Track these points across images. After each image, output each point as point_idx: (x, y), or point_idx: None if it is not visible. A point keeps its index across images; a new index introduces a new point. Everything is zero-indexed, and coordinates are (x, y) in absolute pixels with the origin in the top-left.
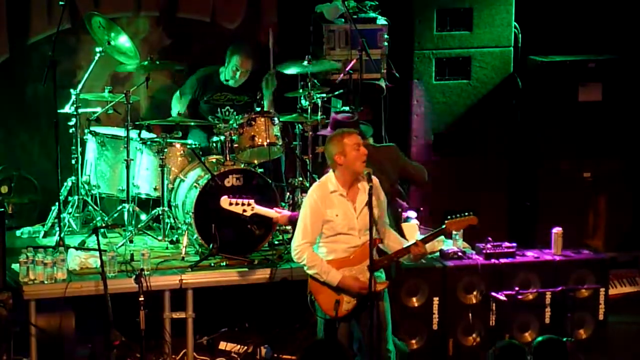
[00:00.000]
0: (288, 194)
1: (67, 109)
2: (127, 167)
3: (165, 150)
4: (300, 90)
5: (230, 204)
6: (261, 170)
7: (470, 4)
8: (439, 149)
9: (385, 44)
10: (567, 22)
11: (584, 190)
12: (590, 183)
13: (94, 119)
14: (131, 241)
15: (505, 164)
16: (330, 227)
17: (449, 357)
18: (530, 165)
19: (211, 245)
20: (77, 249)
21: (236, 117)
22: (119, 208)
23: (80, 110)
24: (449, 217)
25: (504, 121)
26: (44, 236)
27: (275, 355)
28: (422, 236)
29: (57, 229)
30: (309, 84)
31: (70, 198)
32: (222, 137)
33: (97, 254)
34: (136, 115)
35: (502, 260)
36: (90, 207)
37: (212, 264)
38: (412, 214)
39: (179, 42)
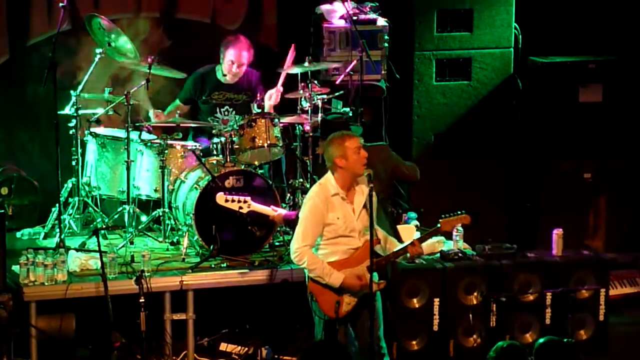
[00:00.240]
0: (289, 195)
1: (68, 110)
2: (128, 169)
3: (166, 151)
4: (301, 91)
5: (227, 200)
6: (262, 171)
7: (470, 5)
8: (439, 150)
9: (386, 45)
10: (567, 23)
11: (584, 191)
12: (591, 184)
13: (94, 120)
14: (132, 243)
15: (506, 164)
16: (332, 229)
17: (450, 358)
18: (531, 166)
19: (212, 247)
20: (77, 250)
21: (236, 117)
22: (119, 209)
23: (80, 112)
24: (443, 216)
25: (504, 122)
26: (44, 238)
27: (276, 356)
28: (418, 236)
29: (58, 230)
30: (309, 85)
31: (70, 199)
32: (223, 139)
33: (97, 255)
34: (136, 117)
35: (503, 261)
36: (90, 208)
37: (213, 266)
38: (412, 214)
39: (179, 43)
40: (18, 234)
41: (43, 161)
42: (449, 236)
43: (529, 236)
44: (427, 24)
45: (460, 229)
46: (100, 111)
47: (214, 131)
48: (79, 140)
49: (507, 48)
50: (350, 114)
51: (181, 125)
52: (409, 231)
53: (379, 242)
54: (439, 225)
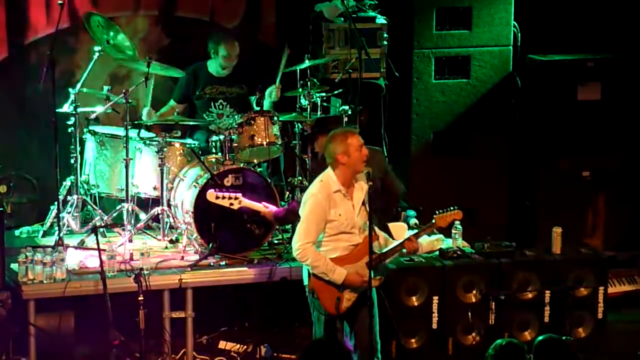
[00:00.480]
0: (287, 193)
1: (66, 108)
2: (127, 167)
3: (165, 149)
4: (300, 90)
5: (217, 197)
6: (260, 169)
7: (469, 3)
8: (438, 148)
9: (385, 43)
10: (566, 21)
11: (583, 189)
12: (590, 182)
13: (93, 118)
14: (130, 240)
15: (505, 163)
16: (334, 226)
17: (449, 356)
18: (530, 164)
19: (210, 245)
20: (76, 248)
21: (230, 110)
22: (118, 207)
23: (79, 110)
24: (437, 211)
25: (503, 120)
26: (43, 236)
27: (275, 354)
28: (414, 232)
29: (56, 228)
30: (309, 83)
31: (69, 197)
32: (222, 137)
33: (96, 253)
34: (135, 115)
35: (502, 259)
36: (89, 206)
37: (212, 264)
38: (411, 213)
39: (178, 42)
40: (17, 232)
41: (42, 159)
42: (448, 234)
43: (527, 234)
44: (426, 22)
45: (459, 227)
46: (99, 109)
47: (210, 127)
48: (77, 138)
49: (506, 46)
50: (350, 112)
51: (180, 123)
52: (400, 229)
53: (378, 239)
54: (433, 220)
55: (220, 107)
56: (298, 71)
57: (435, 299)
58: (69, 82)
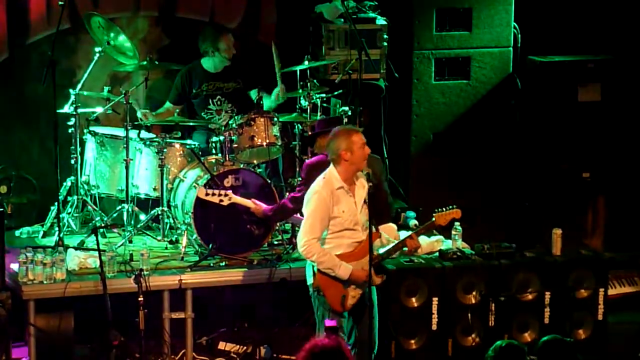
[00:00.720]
0: (287, 193)
1: (67, 108)
2: (127, 167)
3: (165, 150)
4: (300, 90)
5: (207, 194)
6: (260, 170)
7: (469, 4)
8: (438, 149)
9: (385, 44)
10: (566, 22)
11: (583, 190)
12: (590, 183)
13: (93, 118)
14: (130, 241)
15: (505, 164)
16: (338, 222)
17: (449, 357)
18: (530, 165)
19: (210, 245)
20: (76, 249)
21: (229, 105)
22: (118, 208)
23: (79, 110)
24: (436, 210)
25: (503, 121)
26: (43, 236)
27: (275, 355)
28: (415, 229)
29: (56, 229)
30: (309, 84)
31: (69, 198)
32: (222, 138)
33: (96, 254)
34: (135, 116)
35: (502, 261)
36: (89, 207)
37: (212, 264)
38: (411, 214)
39: (178, 42)
40: (17, 233)
41: (42, 160)
42: (447, 235)
43: (527, 235)
44: (426, 23)
45: (459, 228)
46: (99, 110)
47: (210, 125)
48: (78, 139)
49: (506, 47)
50: (350, 113)
51: (180, 124)
52: (390, 230)
53: (380, 236)
54: (433, 219)
55: (219, 103)
56: (298, 72)
57: (435, 300)
58: (69, 82)
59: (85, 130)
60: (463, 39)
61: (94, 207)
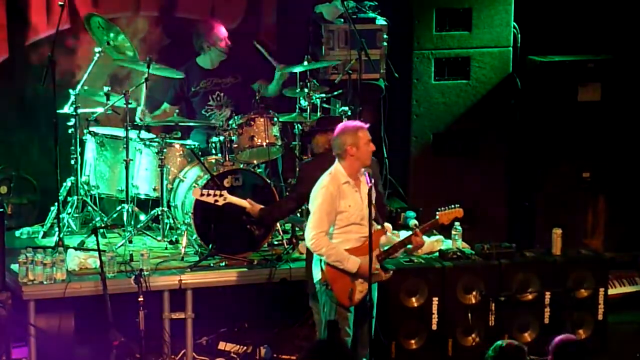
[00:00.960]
0: (287, 194)
1: (66, 109)
2: (127, 168)
3: (165, 150)
4: (299, 91)
5: (202, 194)
6: (259, 170)
7: (469, 4)
8: (438, 149)
9: (385, 44)
10: (566, 22)
11: (583, 190)
12: (590, 183)
13: (93, 119)
14: (130, 241)
15: (504, 164)
16: (344, 217)
17: (449, 357)
18: (530, 165)
19: (210, 246)
20: (76, 249)
21: (228, 100)
22: (118, 208)
23: (79, 111)
24: (439, 209)
25: (503, 121)
26: (43, 236)
27: (275, 355)
28: (419, 227)
29: (57, 229)
30: (308, 84)
31: (69, 198)
32: (221, 138)
33: (96, 254)
34: (135, 116)
35: (502, 261)
36: (89, 207)
37: (212, 264)
38: (411, 214)
39: (178, 42)
40: (17, 233)
41: (42, 160)
42: (448, 235)
43: (527, 235)
44: (425, 23)
45: (459, 228)
46: (99, 110)
47: (211, 121)
48: (78, 139)
49: (506, 47)
50: (349, 113)
51: (180, 124)
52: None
53: (385, 233)
54: (437, 217)
55: (218, 98)
56: (298, 72)
57: (435, 300)
58: (69, 83)
59: (85, 131)
60: (463, 39)
61: (94, 207)
